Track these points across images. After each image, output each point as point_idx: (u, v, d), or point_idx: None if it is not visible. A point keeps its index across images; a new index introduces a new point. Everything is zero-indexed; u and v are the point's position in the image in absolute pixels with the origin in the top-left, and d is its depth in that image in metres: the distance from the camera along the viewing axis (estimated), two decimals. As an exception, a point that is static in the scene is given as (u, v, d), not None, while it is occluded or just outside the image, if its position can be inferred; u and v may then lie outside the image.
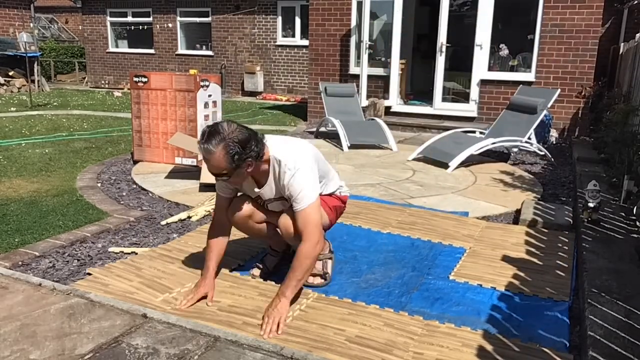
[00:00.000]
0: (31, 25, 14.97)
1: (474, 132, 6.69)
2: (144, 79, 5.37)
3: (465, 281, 2.82)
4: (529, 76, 7.88)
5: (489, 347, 2.15)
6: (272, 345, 2.07)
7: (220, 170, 2.34)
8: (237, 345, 2.07)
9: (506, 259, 3.12)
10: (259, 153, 2.38)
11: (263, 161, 2.44)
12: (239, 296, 2.56)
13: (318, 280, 2.76)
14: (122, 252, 3.16)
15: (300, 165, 2.44)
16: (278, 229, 2.65)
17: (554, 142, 7.41)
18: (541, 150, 6.09)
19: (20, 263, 2.94)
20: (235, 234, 3.44)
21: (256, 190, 2.60)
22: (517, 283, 2.79)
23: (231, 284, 2.69)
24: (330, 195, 2.78)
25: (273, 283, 2.69)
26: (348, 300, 2.55)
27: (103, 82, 15.97)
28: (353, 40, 8.87)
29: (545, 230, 3.64)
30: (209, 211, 3.87)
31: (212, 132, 2.29)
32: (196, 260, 2.95)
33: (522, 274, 2.91)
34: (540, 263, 3.07)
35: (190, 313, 2.39)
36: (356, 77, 8.65)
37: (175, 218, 3.74)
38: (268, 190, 2.57)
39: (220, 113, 5.75)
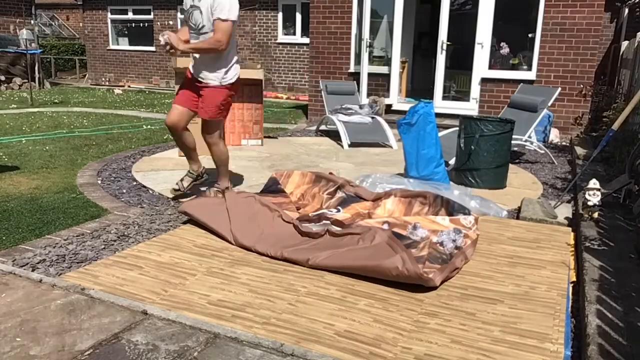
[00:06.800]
0: (32, 22, 14.96)
1: (474, 130, 6.68)
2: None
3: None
4: (530, 75, 7.88)
5: (477, 344, 2.15)
6: (272, 342, 2.08)
7: None
8: (236, 342, 2.08)
9: (502, 254, 3.13)
10: None
11: None
12: (229, 292, 2.57)
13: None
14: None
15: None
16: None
17: (555, 141, 7.41)
18: (541, 149, 6.09)
19: (20, 259, 2.94)
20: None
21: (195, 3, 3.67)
22: (514, 278, 2.79)
23: (222, 280, 2.69)
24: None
25: (265, 281, 2.71)
26: (338, 295, 2.57)
27: (104, 79, 15.98)
28: (354, 38, 8.87)
29: (545, 227, 3.64)
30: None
31: None
32: (191, 253, 2.96)
33: (518, 269, 2.91)
34: (538, 259, 3.07)
35: (180, 305, 2.41)
36: (357, 75, 8.65)
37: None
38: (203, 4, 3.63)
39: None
